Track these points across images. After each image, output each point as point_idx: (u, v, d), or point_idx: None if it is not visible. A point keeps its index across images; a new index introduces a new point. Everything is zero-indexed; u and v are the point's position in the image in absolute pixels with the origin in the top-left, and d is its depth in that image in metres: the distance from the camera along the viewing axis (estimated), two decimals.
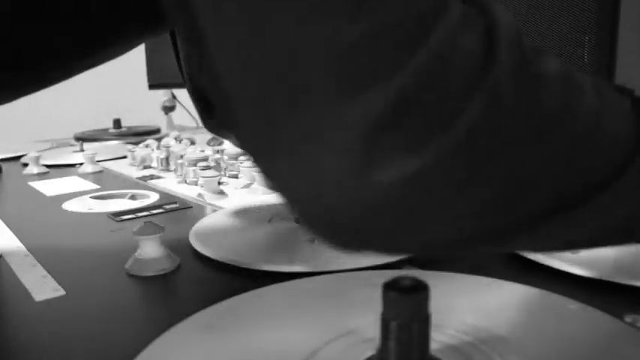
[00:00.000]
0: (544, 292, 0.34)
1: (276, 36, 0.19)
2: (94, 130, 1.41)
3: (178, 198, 0.69)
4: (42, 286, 0.41)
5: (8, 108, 0.42)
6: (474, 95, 0.19)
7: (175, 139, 1.08)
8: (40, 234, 0.56)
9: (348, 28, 0.18)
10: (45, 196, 0.74)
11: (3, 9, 0.33)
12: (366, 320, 0.30)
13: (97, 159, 0.95)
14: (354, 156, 0.19)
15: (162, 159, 0.89)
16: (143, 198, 0.70)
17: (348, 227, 0.21)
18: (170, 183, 0.79)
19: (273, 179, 0.22)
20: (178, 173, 0.82)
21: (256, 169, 0.23)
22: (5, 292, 0.41)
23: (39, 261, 0.46)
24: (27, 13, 0.34)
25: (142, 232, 0.43)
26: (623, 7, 0.62)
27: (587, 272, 0.38)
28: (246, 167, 0.74)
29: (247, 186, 0.74)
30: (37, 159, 0.93)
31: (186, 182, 0.77)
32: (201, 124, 0.56)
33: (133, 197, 0.71)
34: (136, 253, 0.44)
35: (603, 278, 0.37)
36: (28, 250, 0.50)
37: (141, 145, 1.04)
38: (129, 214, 0.61)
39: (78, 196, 0.72)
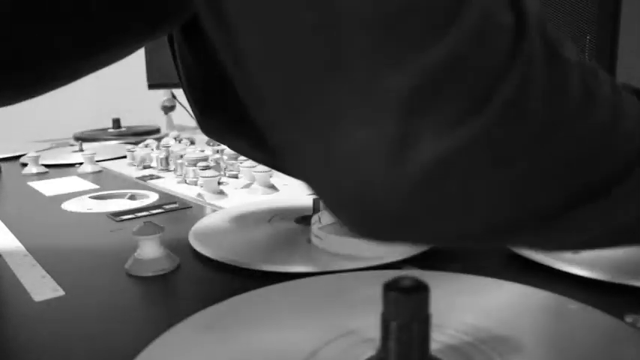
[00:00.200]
0: (544, 292, 0.34)
1: None
2: (94, 130, 1.41)
3: (178, 198, 0.69)
4: (41, 287, 0.41)
5: (8, 108, 0.42)
6: (508, 74, 0.19)
7: (175, 138, 1.08)
8: (40, 234, 0.56)
9: None
10: (44, 196, 0.74)
11: (3, 9, 0.33)
12: (366, 320, 0.29)
13: (96, 159, 0.95)
14: (390, 133, 0.19)
15: (161, 159, 0.89)
16: (143, 198, 0.70)
17: (382, 212, 0.20)
18: (170, 183, 0.79)
19: (304, 168, 0.21)
20: (178, 173, 0.82)
21: (281, 160, 0.23)
22: (4, 292, 0.41)
23: (38, 261, 0.46)
24: (27, 13, 0.34)
25: (141, 232, 0.43)
26: (623, 7, 0.62)
27: (587, 272, 0.38)
28: (246, 167, 0.74)
29: (247, 186, 0.74)
30: (36, 159, 0.93)
31: (185, 182, 0.77)
32: None
33: (132, 197, 0.71)
34: (135, 253, 0.44)
35: (603, 278, 0.38)
36: (28, 250, 0.50)
37: (140, 145, 1.04)
38: (128, 214, 0.61)
39: (77, 196, 0.72)
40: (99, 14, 0.36)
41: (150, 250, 0.43)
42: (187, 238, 0.49)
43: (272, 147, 0.23)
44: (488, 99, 0.19)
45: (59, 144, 1.27)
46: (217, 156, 0.84)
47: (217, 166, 0.82)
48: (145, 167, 0.92)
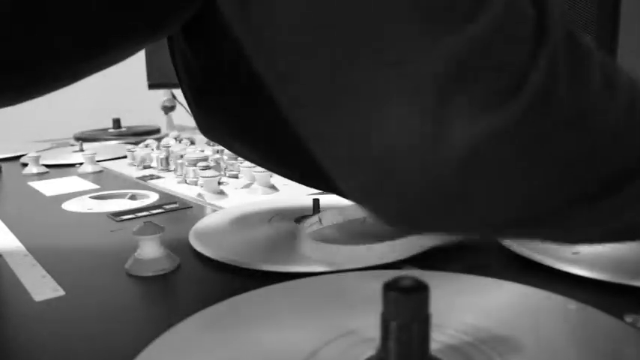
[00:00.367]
0: (544, 292, 0.34)
1: None
2: (94, 130, 1.41)
3: (178, 198, 0.69)
4: (41, 286, 0.41)
5: (8, 108, 0.42)
6: (536, 61, 0.19)
7: (175, 139, 1.08)
8: (40, 234, 0.56)
9: None
10: (45, 196, 0.74)
11: (3, 9, 0.33)
12: (366, 320, 0.30)
13: (96, 159, 0.95)
14: (428, 113, 0.19)
15: (162, 159, 0.89)
16: (143, 198, 0.70)
17: (415, 197, 0.20)
18: (170, 183, 0.79)
19: (336, 151, 0.21)
20: (178, 173, 0.82)
21: (279, 162, 0.23)
22: (5, 292, 0.41)
23: (38, 261, 0.46)
24: (27, 13, 0.34)
25: (141, 232, 0.43)
26: (623, 7, 0.62)
27: (587, 272, 0.38)
28: (246, 167, 0.74)
29: (247, 186, 0.74)
30: (36, 159, 0.93)
31: (186, 182, 0.77)
32: None
33: (132, 197, 0.71)
34: (135, 253, 0.44)
35: (603, 278, 0.38)
36: (28, 250, 0.50)
37: (141, 145, 1.04)
38: (129, 214, 0.61)
39: (77, 196, 0.72)
40: (99, 14, 0.36)
41: (150, 250, 0.43)
42: (187, 238, 0.49)
43: (270, 149, 0.23)
44: (518, 87, 0.19)
45: (59, 144, 1.28)
46: (217, 156, 0.84)
47: (217, 166, 0.82)
48: (145, 167, 0.92)
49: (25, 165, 0.97)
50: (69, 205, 0.67)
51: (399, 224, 0.23)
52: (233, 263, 0.43)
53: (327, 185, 0.50)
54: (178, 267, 0.44)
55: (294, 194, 0.68)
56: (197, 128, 0.52)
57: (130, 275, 0.43)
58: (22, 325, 0.36)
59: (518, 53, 0.19)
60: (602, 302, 0.32)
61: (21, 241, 0.52)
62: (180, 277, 0.43)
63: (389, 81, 0.19)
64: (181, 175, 0.80)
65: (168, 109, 1.53)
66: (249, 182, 0.74)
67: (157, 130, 1.42)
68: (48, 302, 0.38)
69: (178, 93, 1.50)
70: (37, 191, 0.77)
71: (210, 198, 0.68)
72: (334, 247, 0.42)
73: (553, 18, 0.20)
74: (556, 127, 0.20)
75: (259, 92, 0.48)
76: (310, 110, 0.22)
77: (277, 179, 0.73)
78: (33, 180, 0.86)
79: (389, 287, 0.23)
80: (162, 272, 0.43)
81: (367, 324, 0.29)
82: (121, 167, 0.94)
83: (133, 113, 1.56)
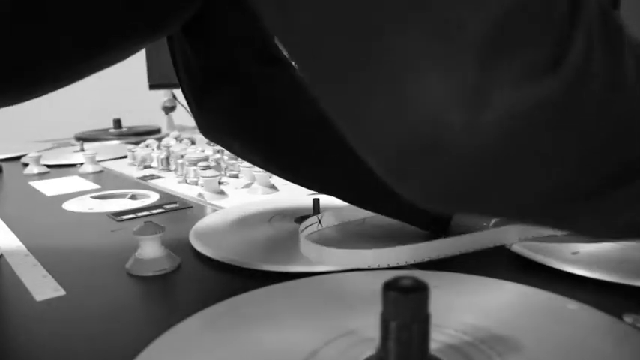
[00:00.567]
0: (544, 292, 0.34)
1: None
2: (95, 130, 1.41)
3: (178, 198, 0.69)
4: (42, 286, 0.41)
5: (9, 108, 0.42)
6: (574, 34, 0.19)
7: (176, 139, 1.08)
8: (41, 234, 0.56)
9: None
10: (45, 196, 0.75)
11: (3, 9, 0.33)
12: (366, 320, 0.30)
13: (97, 159, 0.95)
14: (469, 78, 0.18)
15: (162, 159, 0.89)
16: (143, 198, 0.70)
17: (458, 163, 0.19)
18: (170, 183, 0.79)
19: (369, 121, 0.20)
20: (179, 173, 0.83)
21: (276, 163, 0.22)
22: (6, 291, 0.41)
23: (39, 261, 0.46)
24: (27, 13, 0.34)
25: (142, 232, 0.43)
26: (622, 7, 0.62)
27: (587, 272, 0.38)
28: (247, 167, 0.74)
29: (247, 186, 0.74)
30: (37, 159, 0.93)
31: (186, 182, 0.77)
32: None
33: (133, 197, 0.71)
34: (136, 253, 0.44)
35: (603, 278, 0.38)
36: (29, 249, 0.50)
37: (141, 145, 1.04)
38: (129, 214, 0.61)
39: (78, 196, 0.72)
40: (99, 14, 0.36)
41: (150, 249, 0.43)
42: (188, 238, 0.49)
43: (270, 149, 0.23)
44: (558, 60, 0.19)
45: (60, 144, 1.28)
46: (218, 156, 0.84)
47: (218, 166, 0.82)
48: (145, 167, 0.92)
49: (26, 165, 0.97)
50: (70, 205, 0.67)
51: (433, 200, 0.22)
52: (233, 263, 0.43)
53: (324, 188, 0.50)
54: (179, 267, 0.44)
55: (294, 194, 0.68)
56: (197, 128, 0.52)
57: (131, 275, 0.43)
58: (23, 324, 0.36)
59: (556, 25, 0.19)
60: (601, 302, 0.32)
61: (22, 240, 0.53)
62: (181, 277, 0.43)
63: (428, 45, 0.18)
64: (182, 175, 0.80)
65: (168, 109, 1.53)
66: (249, 182, 0.75)
67: (158, 131, 1.42)
68: (49, 302, 0.38)
69: (179, 93, 1.50)
70: (38, 191, 0.78)
71: (210, 198, 0.68)
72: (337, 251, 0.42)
73: None
74: (592, 102, 0.20)
75: (259, 92, 0.48)
76: (341, 81, 0.21)
77: (277, 179, 0.73)
78: (34, 180, 0.86)
79: (389, 287, 0.23)
80: (162, 272, 0.43)
81: (367, 324, 0.29)
82: (121, 167, 0.94)
83: (134, 113, 1.56)
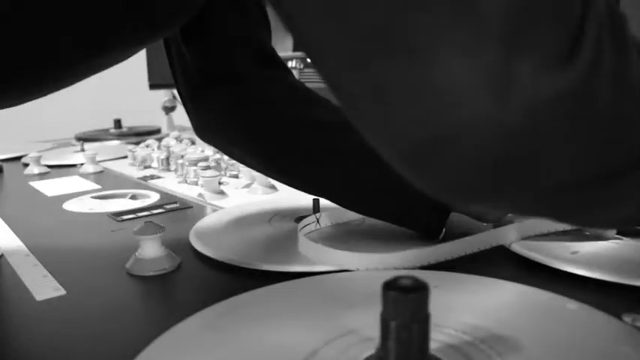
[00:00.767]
0: (544, 292, 0.34)
1: None
2: (95, 131, 1.41)
3: (179, 198, 0.69)
4: (43, 286, 0.41)
5: (9, 108, 0.42)
6: (585, 27, 0.19)
7: (176, 139, 1.08)
8: (41, 234, 0.56)
9: None
10: (46, 196, 0.75)
11: (3, 9, 0.33)
12: (366, 320, 0.30)
13: (97, 159, 0.95)
14: (492, 62, 0.18)
15: (162, 159, 0.89)
16: (144, 198, 0.70)
17: (482, 152, 0.19)
18: (170, 183, 0.79)
19: (387, 108, 0.20)
20: (179, 173, 0.83)
21: (274, 165, 0.21)
22: (6, 291, 0.41)
23: (40, 261, 0.46)
24: (27, 13, 0.34)
25: (142, 232, 0.43)
26: (622, 7, 0.62)
27: (587, 272, 0.38)
28: (246, 167, 0.74)
29: (247, 186, 0.74)
30: (38, 159, 0.93)
31: (186, 182, 0.77)
32: None
33: (133, 197, 0.71)
34: (136, 253, 0.44)
35: (603, 278, 0.38)
36: (29, 249, 0.50)
37: (141, 145, 1.04)
38: (129, 214, 0.62)
39: (79, 196, 0.72)
40: (99, 14, 0.36)
41: (151, 249, 0.43)
42: (188, 238, 0.49)
43: (265, 150, 0.22)
44: (573, 51, 0.19)
45: (61, 144, 1.28)
46: (218, 156, 0.84)
47: (218, 167, 0.82)
48: (145, 167, 0.92)
49: (26, 165, 0.97)
50: (70, 205, 0.67)
51: (450, 191, 0.22)
52: (233, 263, 0.43)
53: (321, 190, 0.50)
54: (179, 267, 0.44)
55: (294, 194, 0.67)
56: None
57: (131, 275, 0.43)
58: (24, 324, 0.36)
59: (571, 18, 0.19)
60: (600, 302, 0.32)
61: (22, 240, 0.53)
62: (181, 277, 0.43)
63: (451, 22, 0.18)
64: (182, 175, 0.80)
65: (168, 109, 1.53)
66: (249, 182, 0.75)
67: (158, 131, 1.42)
68: (49, 302, 0.38)
69: None
70: (39, 191, 0.78)
71: (210, 198, 0.68)
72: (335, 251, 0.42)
73: None
74: (604, 93, 0.20)
75: (256, 93, 0.48)
76: (362, 69, 0.20)
77: None
78: (34, 180, 0.86)
79: (388, 287, 0.23)
80: (162, 272, 0.43)
81: (367, 324, 0.29)
82: (121, 167, 0.94)
83: (134, 113, 1.56)
